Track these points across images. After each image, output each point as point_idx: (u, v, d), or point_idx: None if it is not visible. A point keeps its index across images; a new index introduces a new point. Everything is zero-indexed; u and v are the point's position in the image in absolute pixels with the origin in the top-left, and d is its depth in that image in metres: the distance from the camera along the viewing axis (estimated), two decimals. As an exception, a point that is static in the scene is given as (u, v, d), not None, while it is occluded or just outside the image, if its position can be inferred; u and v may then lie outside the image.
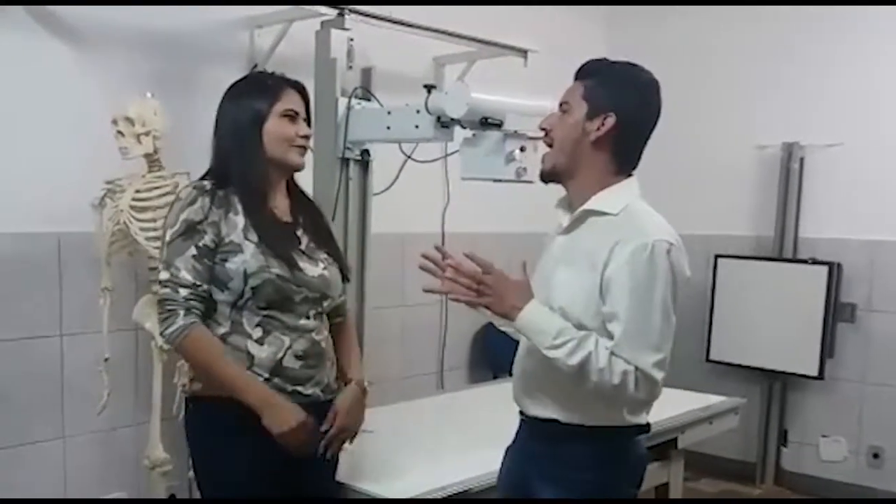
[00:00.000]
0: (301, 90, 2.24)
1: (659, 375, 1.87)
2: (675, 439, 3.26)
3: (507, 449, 2.22)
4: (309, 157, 3.13)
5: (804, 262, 4.51)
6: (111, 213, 2.77)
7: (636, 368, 1.84)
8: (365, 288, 3.20)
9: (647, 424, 2.05)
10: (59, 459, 3.04)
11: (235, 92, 2.22)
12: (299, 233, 2.21)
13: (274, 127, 2.15)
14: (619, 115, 1.93)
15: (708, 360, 4.79)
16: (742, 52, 4.78)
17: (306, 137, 2.21)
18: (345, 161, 3.06)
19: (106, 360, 2.83)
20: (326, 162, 3.07)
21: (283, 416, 2.03)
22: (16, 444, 2.93)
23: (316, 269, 2.17)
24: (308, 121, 2.25)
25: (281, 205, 2.22)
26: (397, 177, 3.26)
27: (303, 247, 2.19)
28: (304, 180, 3.02)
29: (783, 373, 4.58)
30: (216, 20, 3.42)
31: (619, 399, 1.91)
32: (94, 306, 2.89)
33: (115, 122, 2.77)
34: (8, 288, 2.90)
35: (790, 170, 4.62)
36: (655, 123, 2.01)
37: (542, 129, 2.05)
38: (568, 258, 1.98)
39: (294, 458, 2.07)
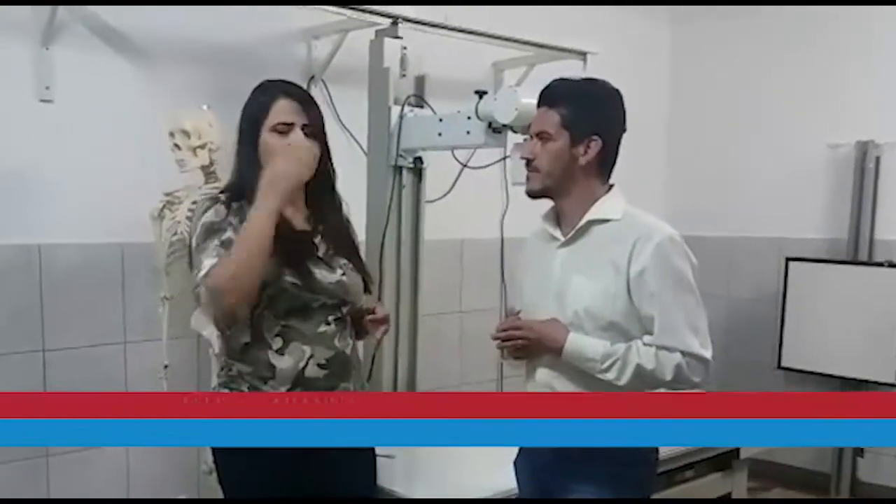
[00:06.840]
0: (297, 96, 2.13)
1: (708, 354, 1.99)
2: (738, 449, 3.18)
3: (516, 462, 2.26)
4: (363, 165, 3.22)
5: (880, 265, 4.34)
6: (169, 223, 2.82)
7: (685, 354, 1.95)
8: (419, 295, 3.21)
9: None
10: (122, 463, 3.12)
11: (245, 104, 2.17)
12: (317, 240, 2.16)
13: (264, 144, 2.09)
14: (602, 136, 2.05)
15: (780, 367, 4.64)
16: (812, 47, 4.62)
17: None
18: (398, 169, 3.09)
19: (165, 367, 2.89)
20: (379, 170, 3.10)
21: (280, 162, 2.00)
22: (82, 447, 3.01)
23: (333, 275, 2.12)
24: (311, 126, 2.11)
25: (297, 213, 2.16)
26: (454, 184, 3.27)
27: (320, 254, 2.14)
28: (359, 188, 3.08)
29: (859, 380, 4.41)
30: (274, 33, 3.48)
31: (676, 388, 2.01)
32: (155, 315, 2.94)
33: (171, 134, 2.82)
34: (74, 297, 3.00)
35: (865, 169, 4.45)
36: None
37: (525, 159, 2.13)
38: (581, 266, 2.06)
39: (325, 462, 2.10)
